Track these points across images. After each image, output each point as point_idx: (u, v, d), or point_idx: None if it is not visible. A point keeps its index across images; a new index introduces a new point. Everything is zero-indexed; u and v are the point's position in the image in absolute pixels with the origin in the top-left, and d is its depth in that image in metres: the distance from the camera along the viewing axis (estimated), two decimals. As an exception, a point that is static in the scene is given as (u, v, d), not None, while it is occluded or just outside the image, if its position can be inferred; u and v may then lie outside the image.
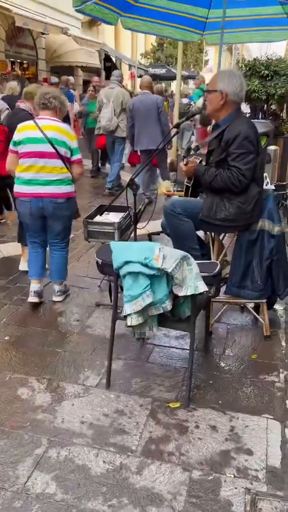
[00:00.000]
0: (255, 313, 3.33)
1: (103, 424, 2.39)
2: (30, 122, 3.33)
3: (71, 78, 11.49)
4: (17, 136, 3.32)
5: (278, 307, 3.57)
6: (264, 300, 3.14)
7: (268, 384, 2.71)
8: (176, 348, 3.08)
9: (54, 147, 3.25)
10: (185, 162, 2.88)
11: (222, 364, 2.91)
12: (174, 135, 3.35)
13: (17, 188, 3.39)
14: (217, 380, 2.75)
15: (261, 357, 2.98)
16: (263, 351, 3.06)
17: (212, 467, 2.11)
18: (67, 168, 3.37)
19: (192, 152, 2.85)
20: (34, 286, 3.63)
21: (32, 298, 3.61)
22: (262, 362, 2.93)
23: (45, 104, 3.34)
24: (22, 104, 4.00)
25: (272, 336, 3.19)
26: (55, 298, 3.74)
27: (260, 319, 3.25)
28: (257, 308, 3.37)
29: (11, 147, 3.38)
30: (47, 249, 3.72)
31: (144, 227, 3.57)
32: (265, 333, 3.18)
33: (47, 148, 3.26)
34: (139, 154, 6.55)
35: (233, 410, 2.49)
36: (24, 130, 3.30)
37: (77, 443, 2.26)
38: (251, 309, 3.34)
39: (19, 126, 3.36)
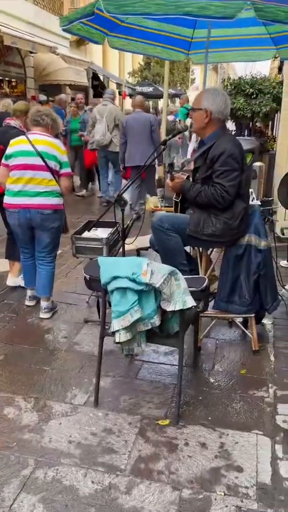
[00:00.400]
0: (243, 328, 3.33)
1: (91, 443, 2.35)
2: (22, 137, 3.47)
3: (63, 96, 11.65)
4: (9, 150, 3.45)
5: (266, 321, 3.58)
6: (252, 315, 3.14)
7: (257, 399, 2.69)
8: (165, 364, 3.06)
9: (44, 160, 3.36)
10: (170, 178, 2.90)
11: (212, 380, 2.90)
12: (161, 152, 3.40)
13: (6, 200, 3.48)
14: (206, 396, 2.73)
15: (250, 372, 2.97)
16: (252, 365, 3.05)
17: (202, 486, 2.08)
18: (56, 181, 3.46)
19: (177, 168, 2.88)
20: (30, 292, 3.89)
21: (29, 302, 3.90)
22: (251, 377, 2.93)
23: (38, 120, 3.48)
24: (12, 122, 4.02)
25: (260, 350, 3.19)
26: (42, 315, 3.72)
27: (249, 333, 3.25)
28: (245, 323, 3.37)
29: (2, 161, 3.48)
30: None
31: (132, 242, 3.58)
32: (254, 347, 3.17)
33: (37, 161, 3.37)
34: (130, 170, 6.65)
35: (222, 426, 2.46)
36: (15, 145, 3.43)
37: (65, 463, 2.21)
38: (239, 324, 3.35)
39: (12, 141, 3.48)
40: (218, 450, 2.30)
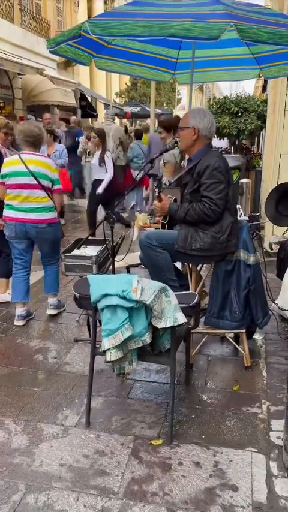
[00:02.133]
0: (235, 344, 3.32)
1: (83, 465, 2.29)
2: (15, 157, 3.65)
3: (75, 117, 12.22)
4: (3, 170, 3.66)
5: (258, 336, 3.57)
6: (244, 330, 3.14)
7: (251, 416, 2.67)
8: (157, 383, 3.03)
9: (37, 180, 3.60)
10: (157, 198, 2.94)
11: (204, 397, 2.87)
12: (149, 170, 3.44)
13: (5, 213, 3.74)
14: (199, 414, 2.70)
15: (243, 388, 2.95)
16: (245, 381, 3.03)
17: (197, 506, 2.04)
18: (49, 197, 3.71)
19: (164, 186, 2.90)
20: (19, 310, 3.89)
21: (18, 322, 3.87)
22: (244, 393, 2.90)
23: (30, 141, 3.68)
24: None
25: (252, 366, 3.17)
26: (49, 312, 4.02)
27: (240, 349, 3.24)
28: (237, 338, 3.36)
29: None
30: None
31: (122, 259, 3.57)
32: (246, 363, 3.16)
33: (30, 180, 3.60)
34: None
35: (216, 444, 2.43)
36: (10, 165, 3.64)
37: (57, 487, 2.16)
38: (230, 339, 3.33)
39: (6, 160, 3.73)
40: (212, 469, 2.26)
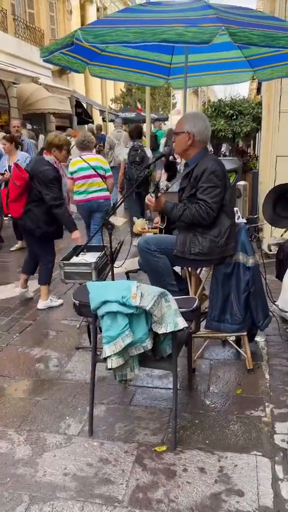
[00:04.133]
0: (236, 347, 3.30)
1: (87, 474, 2.28)
2: (78, 158, 5.11)
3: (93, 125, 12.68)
4: (71, 169, 5.10)
5: (259, 339, 3.56)
6: (245, 333, 3.13)
7: (255, 419, 2.65)
8: (160, 388, 3.01)
9: (95, 171, 5.00)
10: (154, 198, 2.92)
11: (208, 402, 2.85)
12: (145, 175, 3.43)
13: (76, 197, 5.13)
14: (203, 419, 2.68)
15: (246, 392, 2.94)
16: (248, 385, 3.01)
17: (203, 513, 2.02)
18: (104, 182, 5.11)
19: (162, 191, 2.90)
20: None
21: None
22: (247, 397, 2.89)
23: (85, 146, 5.21)
24: (48, 156, 4.24)
25: (255, 369, 3.16)
26: None
27: (242, 352, 3.23)
28: (238, 341, 3.35)
29: (68, 175, 4.97)
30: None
31: (121, 266, 3.57)
32: (248, 366, 3.14)
33: (91, 172, 5.01)
34: None
35: (221, 449, 2.41)
36: (75, 164, 5.09)
37: (61, 497, 2.14)
38: (232, 343, 3.32)
39: (72, 161, 5.21)
40: (218, 474, 2.24)
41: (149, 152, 6.42)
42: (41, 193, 4.08)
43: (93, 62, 4.02)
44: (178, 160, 6.59)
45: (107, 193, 5.15)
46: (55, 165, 4.19)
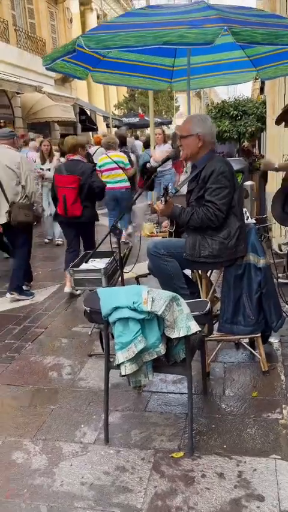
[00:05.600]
0: (251, 349, 3.27)
1: (104, 483, 2.25)
2: (104, 155, 6.65)
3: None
4: (99, 163, 6.55)
5: (273, 340, 3.51)
6: (259, 334, 3.09)
7: (272, 422, 2.61)
8: (175, 393, 2.98)
9: (118, 165, 6.51)
10: (163, 202, 2.90)
11: (223, 406, 2.81)
12: (151, 179, 3.41)
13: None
14: (219, 423, 2.64)
15: (262, 394, 2.90)
16: (263, 387, 2.97)
17: (224, 520, 1.98)
18: (124, 173, 6.56)
19: (171, 194, 2.87)
20: None
21: None
22: (263, 399, 2.85)
23: (110, 146, 6.75)
24: (75, 156, 4.82)
25: (270, 370, 3.12)
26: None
27: (257, 354, 3.19)
28: (252, 343, 3.31)
29: (97, 168, 6.12)
30: None
31: (130, 270, 3.55)
32: (263, 368, 3.10)
33: (114, 165, 6.51)
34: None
35: (239, 454, 2.38)
36: (102, 160, 6.61)
37: (79, 506, 2.12)
38: (246, 345, 3.28)
39: (99, 158, 6.83)
40: (237, 479, 2.21)
41: (132, 156, 7.62)
42: (88, 186, 4.63)
43: (96, 69, 4.03)
44: (159, 168, 6.76)
45: (127, 184, 6.66)
46: (84, 160, 4.93)
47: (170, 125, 24.22)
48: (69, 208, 4.63)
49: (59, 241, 7.28)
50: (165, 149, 7.40)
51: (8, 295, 4.79)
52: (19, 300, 4.81)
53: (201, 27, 2.54)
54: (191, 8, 3.00)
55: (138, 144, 12.38)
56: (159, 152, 7.42)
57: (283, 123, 4.02)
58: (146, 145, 9.14)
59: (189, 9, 2.98)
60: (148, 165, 7.14)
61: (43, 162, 7.31)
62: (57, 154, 7.76)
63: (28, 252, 4.93)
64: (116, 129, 21.05)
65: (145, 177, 7.07)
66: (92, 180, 4.65)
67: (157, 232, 3.67)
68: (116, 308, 2.28)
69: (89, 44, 2.68)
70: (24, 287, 4.97)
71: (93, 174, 4.73)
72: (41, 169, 7.23)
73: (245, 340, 3.29)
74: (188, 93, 4.15)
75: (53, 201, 4.97)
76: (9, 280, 4.92)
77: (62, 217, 4.78)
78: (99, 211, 5.36)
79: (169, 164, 7.00)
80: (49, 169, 7.10)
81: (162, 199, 2.86)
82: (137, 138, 11.25)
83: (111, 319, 2.31)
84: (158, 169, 7.00)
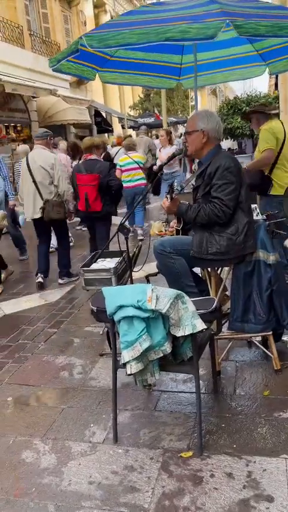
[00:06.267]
0: (262, 347, 3.21)
1: (112, 482, 2.24)
2: (125, 156, 7.34)
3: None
4: (119, 163, 7.24)
5: (286, 338, 3.44)
6: (270, 332, 3.03)
7: (284, 421, 2.56)
8: (184, 392, 2.95)
9: (138, 164, 7.14)
10: (169, 199, 2.88)
11: (234, 405, 2.77)
12: (157, 177, 3.39)
13: (125, 184, 6.47)
14: (230, 423, 2.60)
15: (274, 393, 2.84)
16: (275, 386, 2.92)
17: (231, 520, 1.95)
18: (143, 172, 7.26)
19: (176, 192, 2.85)
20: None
21: None
22: (275, 398, 2.79)
23: (131, 147, 7.43)
24: (92, 156, 5.04)
25: (283, 369, 3.05)
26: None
27: (269, 352, 3.13)
28: (264, 341, 3.25)
29: (117, 167, 7.02)
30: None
31: (140, 269, 3.53)
32: (275, 366, 3.04)
33: (135, 165, 7.13)
34: None
35: (248, 453, 2.33)
36: (123, 160, 7.24)
37: (86, 506, 2.11)
38: (257, 343, 3.23)
39: (121, 157, 7.48)
40: (246, 480, 2.17)
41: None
42: (106, 184, 4.85)
43: (103, 68, 4.04)
44: (165, 170, 6.92)
45: (144, 181, 7.25)
46: (101, 159, 5.20)
47: (185, 124, 24.04)
48: (91, 205, 4.89)
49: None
50: (171, 151, 7.29)
51: (60, 280, 5.37)
52: (69, 282, 5.36)
53: (202, 21, 2.50)
54: (195, 3, 2.97)
55: (158, 143, 12.49)
56: (165, 155, 7.38)
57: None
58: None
59: (192, 4, 2.95)
60: (154, 167, 7.15)
61: None
62: (63, 156, 7.65)
63: (67, 242, 5.55)
64: (131, 130, 21.12)
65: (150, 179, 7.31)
66: (110, 178, 4.88)
67: (166, 231, 3.64)
68: (121, 307, 2.27)
69: (91, 43, 2.68)
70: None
71: (110, 173, 4.96)
72: None
73: (257, 338, 3.24)
74: (195, 90, 4.12)
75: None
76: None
77: (83, 213, 5.10)
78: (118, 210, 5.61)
79: (177, 166, 7.00)
80: None
81: (168, 196, 2.84)
82: (157, 137, 11.73)
83: (116, 317, 2.30)
84: (166, 171, 7.04)
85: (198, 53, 3.86)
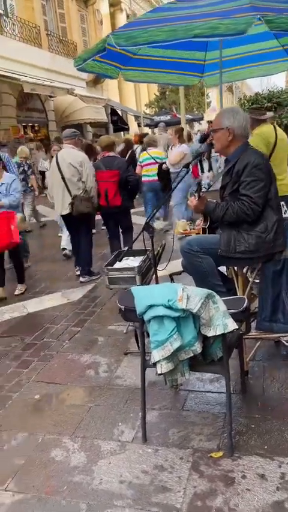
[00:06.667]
0: (290, 347, 3.17)
1: (143, 482, 2.24)
2: (144, 152, 7.73)
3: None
4: (140, 159, 7.64)
5: (314, 337, 3.39)
6: (299, 332, 2.98)
7: (315, 422, 2.52)
8: (212, 392, 2.93)
9: (155, 160, 7.31)
10: (196, 198, 2.85)
11: (263, 406, 2.74)
12: (184, 175, 3.37)
13: (144, 178, 7.31)
14: (259, 423, 2.57)
15: (303, 393, 2.80)
16: (305, 386, 2.88)
17: (266, 523, 1.92)
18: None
19: (204, 190, 2.82)
20: None
21: None
22: (305, 398, 2.76)
23: (152, 144, 7.73)
24: (111, 153, 5.37)
25: (311, 369, 3.02)
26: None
27: (297, 352, 3.09)
28: (292, 341, 3.21)
29: (138, 163, 7.66)
30: None
31: (164, 268, 3.52)
32: (304, 366, 3.00)
33: (152, 160, 7.34)
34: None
35: (280, 455, 2.31)
36: (143, 156, 7.57)
37: (118, 505, 2.11)
38: (286, 343, 3.18)
39: (142, 154, 7.88)
40: (279, 481, 2.14)
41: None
42: (125, 179, 5.12)
43: (127, 67, 4.03)
44: (172, 169, 6.83)
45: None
46: (118, 156, 5.55)
47: (201, 121, 23.96)
48: (110, 201, 5.16)
49: (67, 252, 6.62)
50: (181, 150, 7.13)
51: (81, 278, 5.49)
52: (90, 280, 5.44)
53: (232, 17, 2.47)
54: (223, -1, 2.94)
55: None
56: (174, 154, 7.19)
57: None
58: (189, 139, 9.66)
59: (221, 0, 2.91)
60: (164, 166, 7.06)
61: None
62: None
63: (90, 239, 5.62)
64: (147, 128, 21.09)
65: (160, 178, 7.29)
66: (128, 174, 5.19)
67: (190, 229, 3.62)
68: (151, 306, 2.26)
69: (119, 41, 2.67)
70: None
71: (128, 169, 5.27)
72: None
73: (285, 339, 3.19)
74: (220, 87, 4.08)
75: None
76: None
77: (104, 208, 5.32)
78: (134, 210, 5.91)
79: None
80: None
81: (196, 194, 2.82)
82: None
83: (146, 317, 2.30)
84: (172, 170, 6.93)
85: (224, 49, 3.81)
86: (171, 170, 7.03)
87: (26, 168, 8.21)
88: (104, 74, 3.81)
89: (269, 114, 4.15)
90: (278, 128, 4.18)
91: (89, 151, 6.74)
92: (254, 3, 2.62)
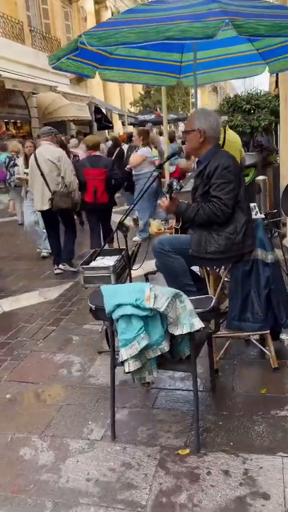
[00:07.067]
0: (260, 346, 3.22)
1: (110, 479, 2.26)
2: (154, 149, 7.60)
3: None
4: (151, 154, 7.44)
5: (284, 336, 3.44)
6: (267, 331, 3.05)
7: (280, 420, 2.58)
8: (182, 390, 2.97)
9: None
10: (168, 199, 2.88)
11: (231, 403, 2.79)
12: (157, 176, 3.40)
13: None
14: (227, 420, 2.62)
15: (271, 391, 2.86)
16: (273, 384, 2.93)
17: (228, 517, 1.97)
18: (154, 164, 6.78)
19: (175, 191, 2.85)
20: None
21: None
22: (272, 396, 2.81)
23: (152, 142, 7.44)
24: (96, 152, 5.64)
25: (280, 367, 3.07)
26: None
27: (266, 351, 3.15)
28: (263, 340, 3.26)
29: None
30: None
31: (139, 268, 3.54)
32: (273, 365, 3.06)
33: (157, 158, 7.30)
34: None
35: (245, 451, 2.35)
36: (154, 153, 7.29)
37: (84, 503, 2.13)
38: (255, 342, 3.24)
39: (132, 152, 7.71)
40: (242, 477, 2.19)
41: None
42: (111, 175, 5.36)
43: (104, 66, 4.03)
44: (134, 172, 6.81)
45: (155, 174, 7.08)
46: (103, 155, 5.87)
47: (185, 121, 23.93)
48: (99, 197, 5.37)
49: (45, 253, 6.53)
50: (141, 153, 6.80)
51: (61, 266, 5.67)
52: (67, 270, 5.65)
53: (203, 20, 2.50)
54: (196, 2, 2.96)
55: (162, 139, 12.54)
56: (135, 157, 6.86)
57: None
58: (171, 139, 9.89)
59: (194, 3, 2.94)
60: (127, 167, 7.08)
61: (27, 165, 6.35)
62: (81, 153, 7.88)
63: (74, 231, 5.89)
64: (131, 126, 21.08)
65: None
66: (113, 173, 5.45)
67: (164, 229, 3.65)
68: (119, 305, 2.29)
69: (91, 41, 2.67)
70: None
71: (114, 167, 5.52)
72: (25, 173, 6.53)
73: (254, 337, 3.25)
74: (195, 88, 4.12)
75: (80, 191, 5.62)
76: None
77: (90, 204, 5.50)
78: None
79: (145, 168, 6.65)
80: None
81: (167, 195, 2.85)
82: (161, 134, 12.09)
83: (114, 316, 2.32)
84: (133, 172, 6.86)
85: (199, 51, 3.85)
86: (133, 173, 6.87)
87: (17, 162, 8.13)
88: (80, 73, 3.80)
89: (223, 118, 4.31)
90: (230, 131, 4.32)
91: (62, 147, 6.77)
92: (224, 8, 2.66)
